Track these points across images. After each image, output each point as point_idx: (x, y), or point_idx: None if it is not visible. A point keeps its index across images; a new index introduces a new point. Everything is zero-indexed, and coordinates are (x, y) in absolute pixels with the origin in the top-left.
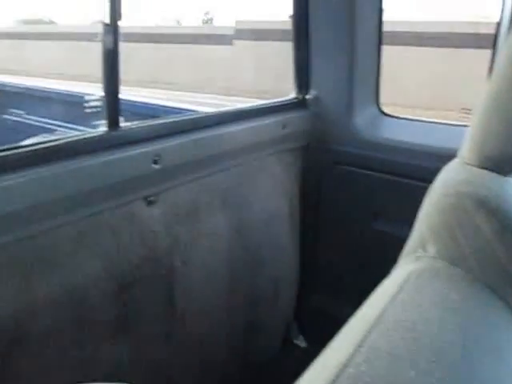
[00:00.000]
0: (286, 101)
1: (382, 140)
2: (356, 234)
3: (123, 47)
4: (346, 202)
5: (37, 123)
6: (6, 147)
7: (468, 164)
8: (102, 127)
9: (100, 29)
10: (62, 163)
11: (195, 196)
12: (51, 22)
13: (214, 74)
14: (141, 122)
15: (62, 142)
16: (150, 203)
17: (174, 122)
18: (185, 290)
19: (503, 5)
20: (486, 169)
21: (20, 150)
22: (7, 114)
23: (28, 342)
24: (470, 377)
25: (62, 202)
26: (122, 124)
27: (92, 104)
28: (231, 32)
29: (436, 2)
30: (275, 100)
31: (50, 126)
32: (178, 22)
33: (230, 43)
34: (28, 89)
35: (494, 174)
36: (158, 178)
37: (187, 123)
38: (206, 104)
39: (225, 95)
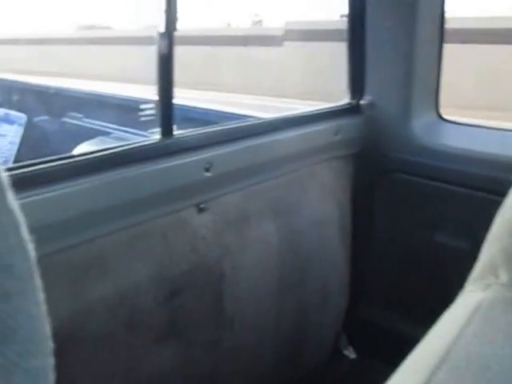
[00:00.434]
0: (339, 106)
1: (441, 147)
2: (411, 246)
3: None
4: (401, 211)
5: (94, 126)
6: (63, 156)
7: None
8: (155, 134)
9: (152, 32)
10: (117, 171)
11: (245, 203)
12: (107, 28)
13: (263, 76)
14: (193, 129)
15: (116, 150)
16: (200, 210)
17: (226, 129)
18: (234, 296)
19: None
20: None
21: (76, 159)
22: (67, 117)
23: (82, 343)
24: None
25: (115, 209)
26: (176, 132)
27: (147, 112)
28: (281, 33)
29: None
30: (327, 106)
31: (105, 129)
32: (228, 24)
33: (280, 44)
34: (86, 93)
35: None
36: (210, 185)
37: (239, 131)
38: (254, 106)
39: (274, 97)
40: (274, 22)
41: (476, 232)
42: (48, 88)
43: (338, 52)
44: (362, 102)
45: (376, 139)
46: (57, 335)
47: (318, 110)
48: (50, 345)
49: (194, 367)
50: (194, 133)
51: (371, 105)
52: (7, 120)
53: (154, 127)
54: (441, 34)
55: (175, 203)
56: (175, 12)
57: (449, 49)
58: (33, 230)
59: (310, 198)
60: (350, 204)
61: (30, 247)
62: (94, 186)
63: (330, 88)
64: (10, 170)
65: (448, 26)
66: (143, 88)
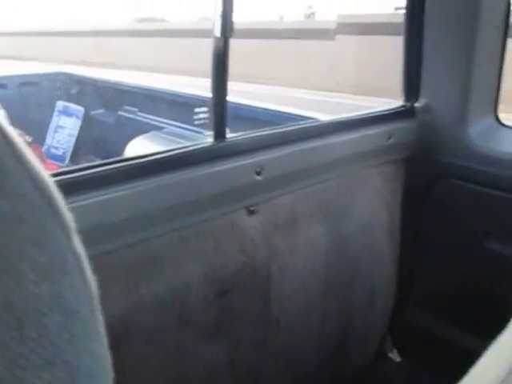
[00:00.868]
0: (392, 110)
1: (499, 153)
2: (462, 252)
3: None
4: (453, 216)
5: (147, 120)
6: (118, 159)
7: None
8: (208, 134)
9: (206, 25)
10: (171, 174)
11: (294, 206)
12: (162, 20)
13: (314, 69)
14: (245, 133)
15: (170, 154)
16: (250, 213)
17: (277, 133)
18: (280, 298)
19: None
20: None
21: (131, 162)
22: (122, 111)
23: (133, 339)
24: None
25: (168, 211)
26: (228, 135)
27: (201, 116)
28: (333, 26)
29: None
30: (380, 109)
31: (158, 124)
32: (281, 17)
33: (333, 38)
34: (141, 88)
35: None
36: (260, 188)
37: (290, 134)
38: (304, 100)
39: (325, 91)
40: (327, 15)
41: None
42: (105, 82)
43: (392, 47)
44: (416, 104)
45: (430, 143)
46: (109, 332)
47: (370, 114)
48: (111, 377)
49: (240, 365)
50: (246, 136)
51: (426, 108)
52: (66, 112)
53: (205, 121)
54: (504, 33)
55: (226, 205)
56: (231, 17)
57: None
58: (90, 230)
59: (359, 201)
60: (400, 208)
61: (93, 285)
62: (149, 189)
63: (383, 83)
64: (69, 172)
65: None
66: (197, 80)
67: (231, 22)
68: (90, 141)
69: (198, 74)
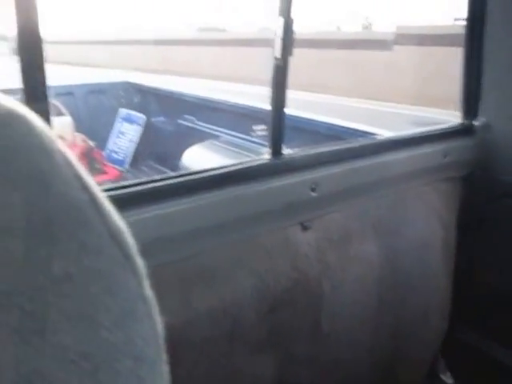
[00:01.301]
0: (450, 128)
1: None
2: None
3: None
4: (510, 236)
5: (205, 129)
6: (176, 174)
7: None
8: (265, 154)
9: (265, 35)
10: (227, 189)
11: (348, 222)
12: (223, 30)
13: (370, 80)
14: (301, 149)
15: (228, 169)
16: (304, 228)
17: (333, 150)
18: (332, 314)
19: None
20: None
21: (188, 178)
22: (182, 120)
23: (185, 351)
24: None
25: (223, 225)
26: (285, 151)
27: (259, 134)
28: (391, 37)
29: None
30: (437, 127)
31: (215, 133)
32: (338, 27)
33: (390, 49)
34: (199, 98)
35: None
36: (314, 204)
37: (346, 152)
38: (360, 109)
39: (383, 101)
40: (384, 26)
41: None
42: (166, 91)
43: (450, 58)
44: (475, 122)
45: (489, 162)
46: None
47: (426, 132)
48: None
49: (290, 381)
50: (302, 153)
51: (486, 126)
52: (129, 120)
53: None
54: None
55: (280, 221)
56: (291, 38)
57: None
58: (148, 243)
59: (414, 219)
60: (456, 227)
61: (160, 327)
62: (206, 203)
63: (442, 94)
64: (130, 186)
65: None
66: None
67: (291, 44)
68: (150, 147)
69: (256, 82)
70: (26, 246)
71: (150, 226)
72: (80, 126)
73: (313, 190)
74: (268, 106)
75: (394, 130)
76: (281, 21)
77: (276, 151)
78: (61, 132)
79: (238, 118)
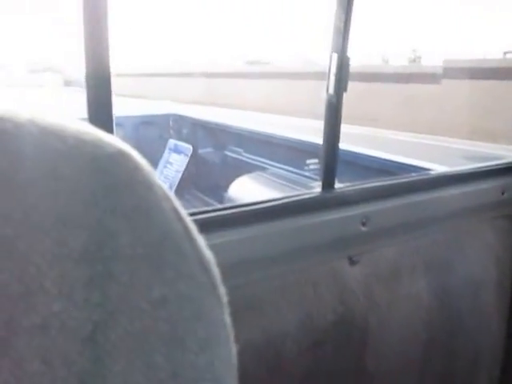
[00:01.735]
0: (507, 163)
1: None
2: None
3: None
4: None
5: (251, 161)
6: (226, 206)
7: None
8: (317, 187)
9: (310, 68)
10: (278, 222)
11: (398, 258)
12: (267, 63)
13: (420, 113)
14: (353, 184)
15: (279, 202)
16: (352, 263)
17: (385, 184)
18: (377, 353)
19: None
20: None
21: (238, 210)
22: (228, 151)
23: None
24: None
25: (272, 256)
26: (336, 185)
27: (311, 167)
28: (439, 71)
29: None
30: (494, 162)
31: (262, 165)
32: (386, 60)
33: (439, 82)
34: (246, 130)
35: None
36: (364, 239)
37: (398, 186)
38: (411, 143)
39: (433, 135)
40: (432, 59)
41: None
42: (213, 123)
43: (504, 92)
44: None
45: None
46: None
47: (483, 167)
48: None
49: None
50: (354, 187)
51: None
52: (176, 150)
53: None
54: None
55: (328, 254)
56: (347, 75)
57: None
58: None
59: (467, 256)
60: None
61: (234, 352)
62: (256, 235)
63: (493, 128)
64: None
65: None
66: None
67: (346, 81)
68: (195, 177)
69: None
70: (131, 271)
71: None
72: None
73: (363, 224)
74: (318, 140)
75: (447, 165)
76: (335, 57)
77: (327, 185)
78: None
79: (284, 150)
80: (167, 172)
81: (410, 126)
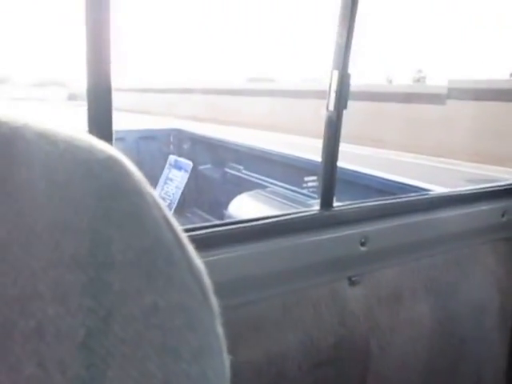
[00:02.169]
0: (508, 185)
1: None
2: None
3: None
4: None
5: (251, 178)
6: (224, 222)
7: None
8: (315, 205)
9: (310, 87)
10: (276, 240)
11: (399, 280)
12: (271, 80)
13: (423, 134)
14: (351, 202)
15: (277, 219)
16: (352, 283)
17: (385, 204)
18: (378, 377)
19: None
20: None
21: (237, 226)
22: (228, 168)
23: None
24: None
25: (270, 275)
26: (335, 204)
27: (310, 185)
28: (444, 91)
29: None
30: (494, 184)
31: (262, 182)
32: (390, 80)
33: (443, 103)
34: (246, 147)
35: None
36: (364, 259)
37: (398, 206)
38: (412, 164)
39: (436, 156)
40: (437, 79)
41: None
42: (214, 139)
43: (509, 114)
44: None
45: None
46: None
47: (483, 188)
48: None
49: None
50: (352, 206)
51: None
52: (176, 166)
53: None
54: None
55: (328, 274)
56: (347, 93)
57: None
58: None
59: (469, 280)
60: None
61: (228, 363)
62: (254, 253)
63: (496, 151)
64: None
65: None
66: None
67: (346, 98)
68: (195, 194)
69: (301, 133)
70: (122, 277)
71: None
72: None
73: (362, 244)
74: (316, 158)
75: (447, 186)
76: (335, 73)
77: (326, 203)
78: None
79: (284, 168)
80: (168, 188)
81: (412, 148)
